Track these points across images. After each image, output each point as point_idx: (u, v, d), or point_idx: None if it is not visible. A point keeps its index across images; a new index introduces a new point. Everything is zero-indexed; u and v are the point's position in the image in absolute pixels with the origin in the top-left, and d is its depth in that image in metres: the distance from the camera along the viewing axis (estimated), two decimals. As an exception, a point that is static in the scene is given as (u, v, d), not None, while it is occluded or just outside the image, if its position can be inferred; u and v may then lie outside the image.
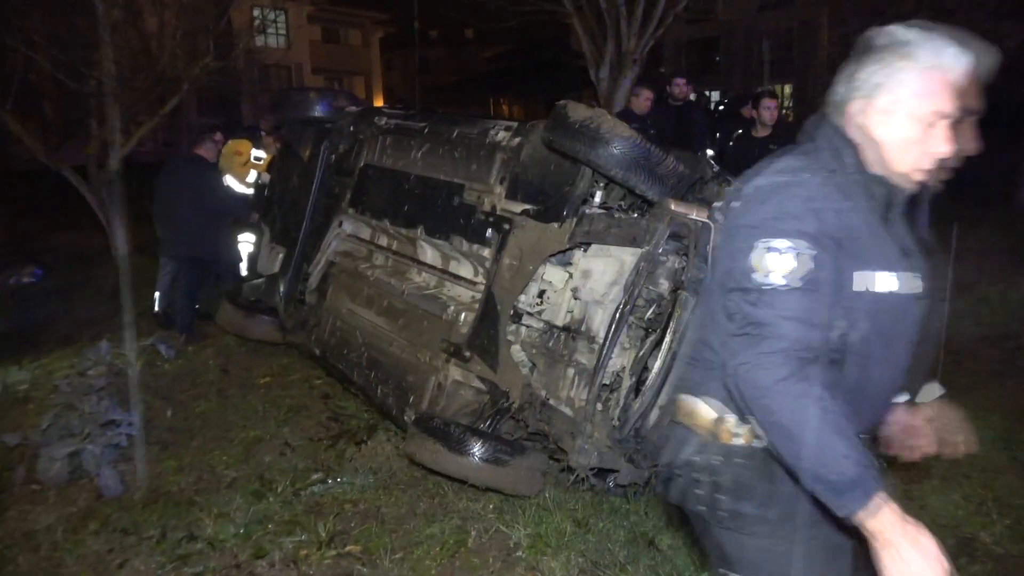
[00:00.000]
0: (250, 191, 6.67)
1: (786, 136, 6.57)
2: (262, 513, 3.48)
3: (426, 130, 4.59)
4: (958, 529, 3.33)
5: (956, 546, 3.17)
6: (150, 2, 10.05)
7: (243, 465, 3.99)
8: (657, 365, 3.23)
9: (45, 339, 6.21)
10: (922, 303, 1.63)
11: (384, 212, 4.71)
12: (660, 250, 3.13)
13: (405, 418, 3.94)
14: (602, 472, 3.33)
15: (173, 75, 9.44)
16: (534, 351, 3.61)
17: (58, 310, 7.25)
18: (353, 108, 5.49)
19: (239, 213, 6.47)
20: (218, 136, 6.71)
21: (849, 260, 1.51)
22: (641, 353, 3.22)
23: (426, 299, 4.24)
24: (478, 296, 3.89)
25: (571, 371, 3.37)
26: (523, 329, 3.69)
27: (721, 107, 10.55)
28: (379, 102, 30.35)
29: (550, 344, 3.55)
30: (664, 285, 3.17)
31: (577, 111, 3.28)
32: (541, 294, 3.68)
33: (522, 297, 3.65)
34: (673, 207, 3.16)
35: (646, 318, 3.18)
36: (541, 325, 3.65)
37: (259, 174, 6.71)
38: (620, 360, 3.23)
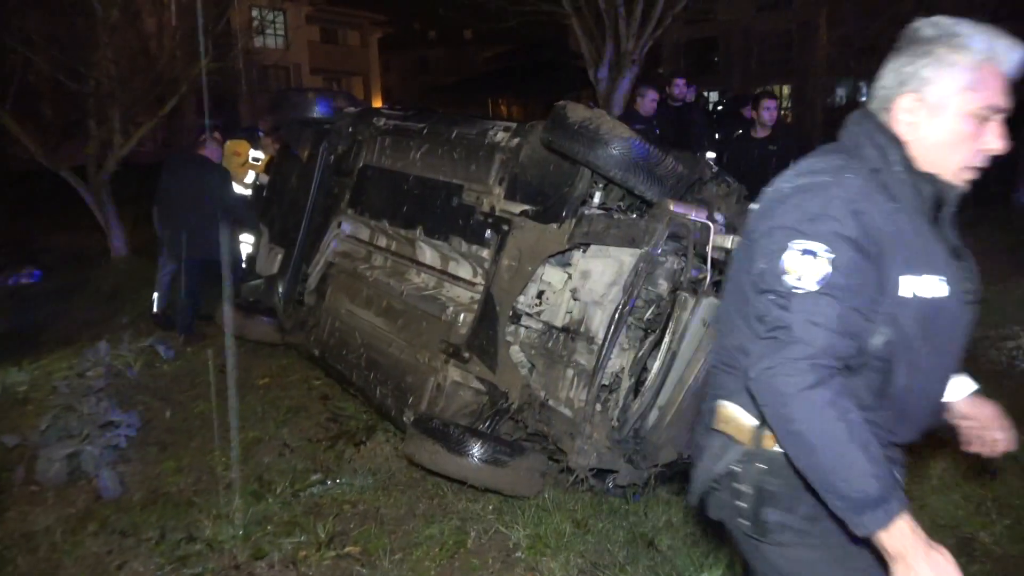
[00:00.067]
0: (248, 192, 6.66)
1: (785, 137, 6.59)
2: (261, 514, 3.48)
3: (425, 131, 4.59)
4: (958, 529, 3.33)
5: (956, 546, 3.17)
6: (149, 3, 10.04)
7: (242, 466, 3.98)
8: (656, 366, 3.24)
9: (44, 340, 6.20)
10: (971, 307, 1.56)
11: (383, 213, 4.71)
12: (659, 251, 3.13)
13: (404, 419, 3.93)
14: (601, 473, 3.33)
15: (172, 76, 9.44)
16: (533, 352, 3.61)
17: (57, 311, 7.24)
18: (352, 109, 5.49)
19: (243, 214, 6.46)
20: (216, 136, 6.70)
21: (894, 264, 1.45)
22: (640, 354, 3.22)
23: (425, 300, 4.24)
24: (477, 297, 3.89)
25: (570, 372, 3.37)
26: (522, 330, 3.69)
27: (720, 107, 10.56)
28: (378, 103, 30.35)
29: (549, 345, 3.55)
30: (663, 286, 3.17)
31: (576, 112, 3.28)
32: (540, 295, 3.68)
33: (521, 298, 3.65)
34: (672, 208, 3.17)
35: (645, 319, 3.18)
36: (540, 326, 3.65)
37: (257, 175, 6.71)
38: (619, 361, 3.23)
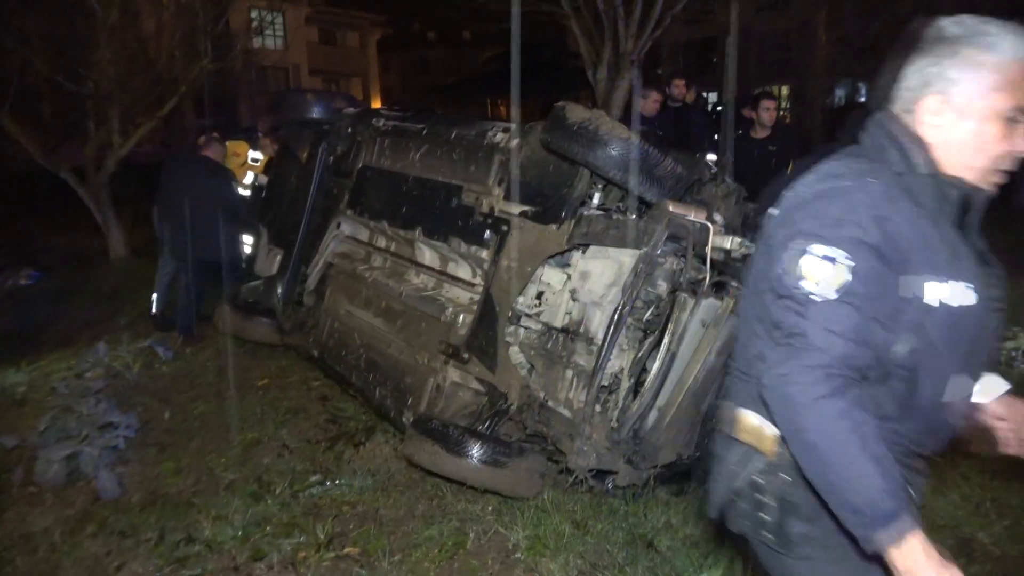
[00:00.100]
0: (247, 193, 6.66)
1: (785, 137, 6.60)
2: (260, 515, 3.47)
3: (424, 132, 4.59)
4: (957, 530, 3.33)
5: (955, 547, 3.17)
6: (148, 4, 10.04)
7: (241, 467, 3.98)
8: (655, 366, 3.24)
9: (43, 341, 6.19)
10: (998, 314, 1.52)
11: (382, 214, 4.70)
12: (658, 251, 3.13)
13: (403, 420, 3.93)
14: (601, 473, 3.33)
15: (171, 76, 9.43)
16: (532, 353, 3.60)
17: (55, 312, 7.23)
18: (351, 109, 5.49)
19: (246, 216, 6.45)
20: (215, 136, 6.70)
21: (919, 271, 1.40)
22: (639, 355, 3.22)
23: (424, 301, 4.24)
24: (476, 298, 3.89)
25: (569, 372, 3.36)
26: (521, 331, 3.69)
27: (719, 108, 10.56)
28: (377, 103, 30.35)
29: (548, 346, 3.55)
30: (662, 286, 3.17)
31: (575, 113, 3.28)
32: (539, 296, 3.68)
33: (520, 299, 3.65)
34: (671, 208, 3.17)
35: (644, 320, 3.18)
36: (539, 327, 3.65)
37: (256, 176, 6.71)
38: (618, 361, 3.23)
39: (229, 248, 6.10)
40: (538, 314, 3.65)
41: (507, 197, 3.82)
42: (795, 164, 6.28)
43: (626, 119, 7.81)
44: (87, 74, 8.60)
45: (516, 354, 3.63)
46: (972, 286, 1.44)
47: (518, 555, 3.18)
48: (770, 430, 1.54)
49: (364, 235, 5.04)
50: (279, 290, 5.31)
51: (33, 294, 8.12)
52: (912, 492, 1.49)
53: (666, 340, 3.21)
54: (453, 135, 4.32)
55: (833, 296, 1.36)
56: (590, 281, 3.42)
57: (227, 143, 6.79)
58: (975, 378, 1.58)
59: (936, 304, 1.41)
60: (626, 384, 3.23)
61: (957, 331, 1.45)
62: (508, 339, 3.62)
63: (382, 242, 4.87)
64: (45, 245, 10.46)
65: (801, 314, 1.38)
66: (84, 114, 9.19)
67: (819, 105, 24.52)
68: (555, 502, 3.51)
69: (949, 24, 1.46)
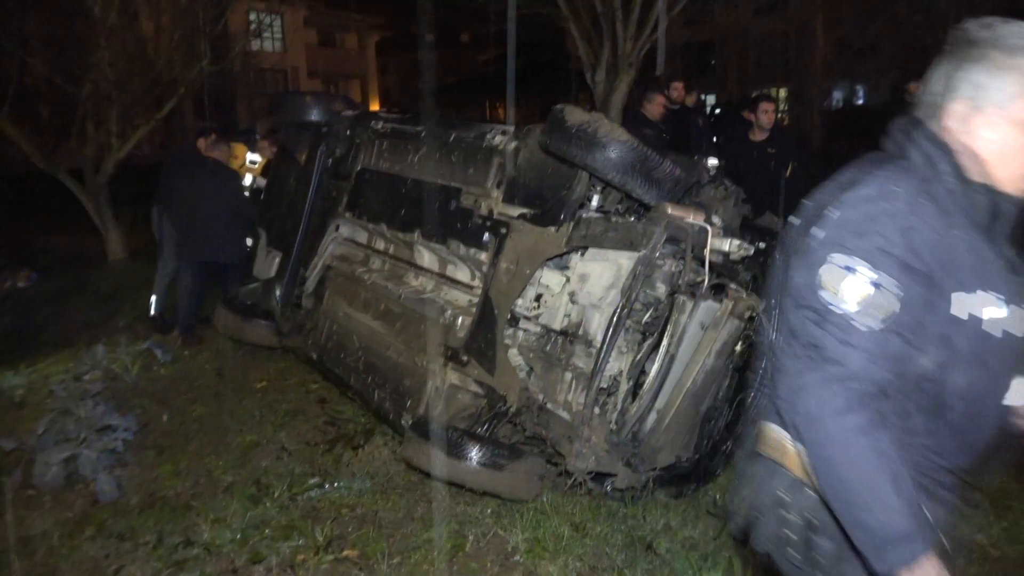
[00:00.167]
0: (246, 195, 6.65)
1: (783, 139, 6.61)
2: (259, 518, 3.47)
3: (423, 134, 4.59)
4: (955, 531, 3.33)
5: (953, 548, 3.17)
6: (147, 5, 10.04)
7: (240, 470, 3.98)
8: (654, 369, 3.24)
9: (41, 343, 6.19)
10: None
11: (381, 216, 4.70)
12: (657, 254, 3.13)
13: (402, 422, 3.93)
14: (600, 476, 3.33)
15: (170, 78, 9.43)
16: (531, 355, 3.61)
17: (54, 314, 7.23)
18: (350, 112, 5.49)
19: (252, 218, 6.46)
20: (213, 138, 6.69)
21: (946, 282, 1.36)
22: (638, 357, 3.22)
23: (423, 303, 4.23)
24: (475, 300, 3.89)
25: (568, 375, 3.37)
26: (520, 333, 3.69)
27: (718, 111, 10.58)
28: (375, 106, 30.38)
29: (547, 348, 3.55)
30: (661, 289, 3.17)
31: (574, 115, 3.28)
32: (538, 298, 3.68)
33: (519, 301, 3.65)
34: (670, 211, 3.17)
35: (643, 322, 3.19)
36: (538, 329, 3.65)
37: (254, 178, 6.70)
38: (617, 364, 3.23)
39: (236, 249, 6.09)
40: (537, 316, 3.65)
41: (506, 199, 3.83)
42: (794, 166, 6.32)
43: (624, 122, 7.83)
44: (85, 75, 8.59)
45: (515, 356, 3.63)
46: (1002, 297, 1.40)
47: (517, 557, 3.18)
48: (796, 445, 1.49)
49: (363, 237, 5.04)
50: (277, 292, 5.31)
51: (31, 296, 8.11)
52: (938, 511, 1.47)
53: (665, 342, 3.21)
54: (452, 137, 4.32)
55: (854, 309, 1.33)
56: (589, 283, 3.42)
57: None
58: (1006, 390, 1.52)
59: (965, 317, 1.37)
60: (625, 386, 3.23)
61: (987, 344, 1.40)
62: (507, 341, 3.62)
63: (381, 244, 4.87)
64: (43, 247, 10.44)
65: (820, 326, 1.35)
66: (82, 116, 9.18)
67: (817, 107, 24.57)
68: (554, 504, 3.51)
69: (976, 27, 1.42)
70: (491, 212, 3.87)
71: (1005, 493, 3.58)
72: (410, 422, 3.75)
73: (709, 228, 3.17)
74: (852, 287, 1.33)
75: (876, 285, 1.32)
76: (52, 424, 4.02)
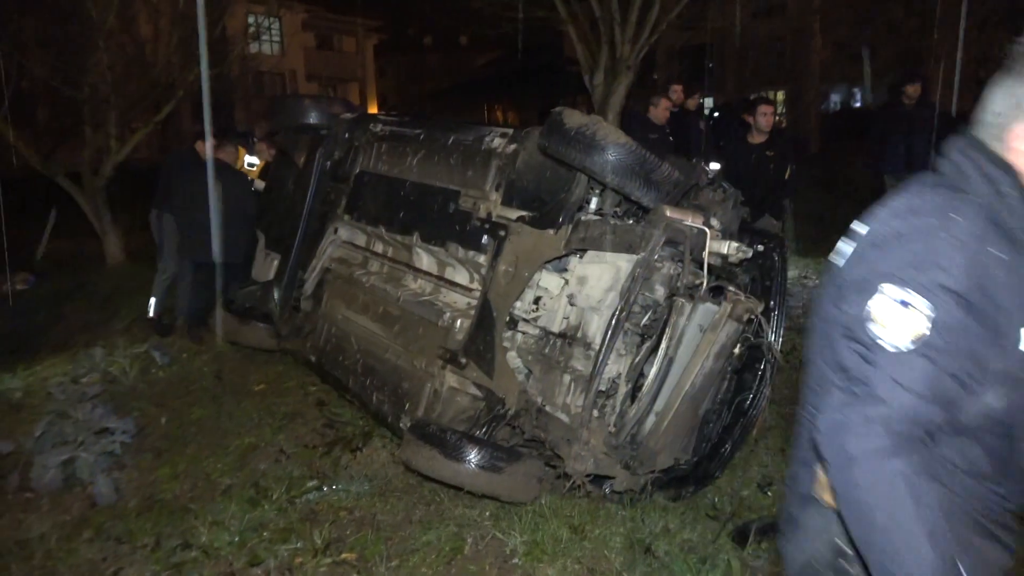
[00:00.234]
0: None
1: (782, 142, 6.63)
2: (257, 521, 3.47)
3: (421, 137, 4.59)
4: (1013, 573, 3.33)
5: None
6: (145, 8, 10.05)
7: (238, 472, 3.97)
8: (653, 371, 3.24)
9: (39, 346, 6.18)
10: None
11: (380, 218, 4.71)
12: (656, 256, 3.14)
13: (401, 425, 3.93)
14: (598, 478, 3.33)
15: (168, 81, 9.44)
16: (530, 357, 3.61)
17: (52, 316, 7.22)
18: (348, 114, 5.50)
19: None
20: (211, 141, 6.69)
21: (1014, 316, 1.26)
22: (637, 359, 3.23)
23: (422, 305, 4.24)
24: (474, 302, 3.89)
25: (567, 377, 3.37)
26: (519, 335, 3.69)
27: (716, 114, 10.60)
28: (373, 108, 30.40)
29: (546, 350, 3.55)
30: (660, 291, 3.17)
31: (572, 118, 3.29)
32: (537, 300, 3.68)
33: (518, 303, 3.65)
34: (668, 213, 3.18)
35: (642, 324, 3.19)
36: (537, 331, 3.65)
37: (252, 180, 6.70)
38: (616, 366, 3.23)
39: (240, 250, 6.09)
40: (536, 319, 3.65)
41: (505, 202, 3.83)
42: (792, 169, 6.33)
43: (623, 124, 7.85)
44: (84, 78, 8.60)
45: (514, 359, 3.63)
46: None
47: (516, 560, 3.18)
48: None
49: (361, 240, 5.04)
50: (276, 295, 5.31)
51: (29, 299, 8.10)
52: (999, 555, 1.41)
53: (663, 345, 3.22)
54: (450, 140, 4.32)
55: (907, 347, 1.24)
56: (587, 286, 3.43)
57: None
58: None
59: None
60: (624, 389, 3.23)
61: None
62: (506, 344, 3.62)
63: (379, 247, 4.88)
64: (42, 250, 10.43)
65: (869, 360, 1.27)
66: (81, 119, 9.19)
67: (815, 110, 24.62)
68: (553, 507, 3.51)
69: None
70: (490, 215, 3.87)
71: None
72: (409, 425, 3.75)
73: (708, 231, 3.17)
74: (906, 323, 1.24)
75: (932, 322, 1.23)
76: (50, 427, 4.02)
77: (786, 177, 6.27)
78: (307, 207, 5.28)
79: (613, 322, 3.16)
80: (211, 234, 5.94)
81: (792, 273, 7.29)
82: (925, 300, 1.23)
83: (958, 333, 1.24)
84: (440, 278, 4.33)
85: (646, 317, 3.18)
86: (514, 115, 32.94)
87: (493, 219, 3.84)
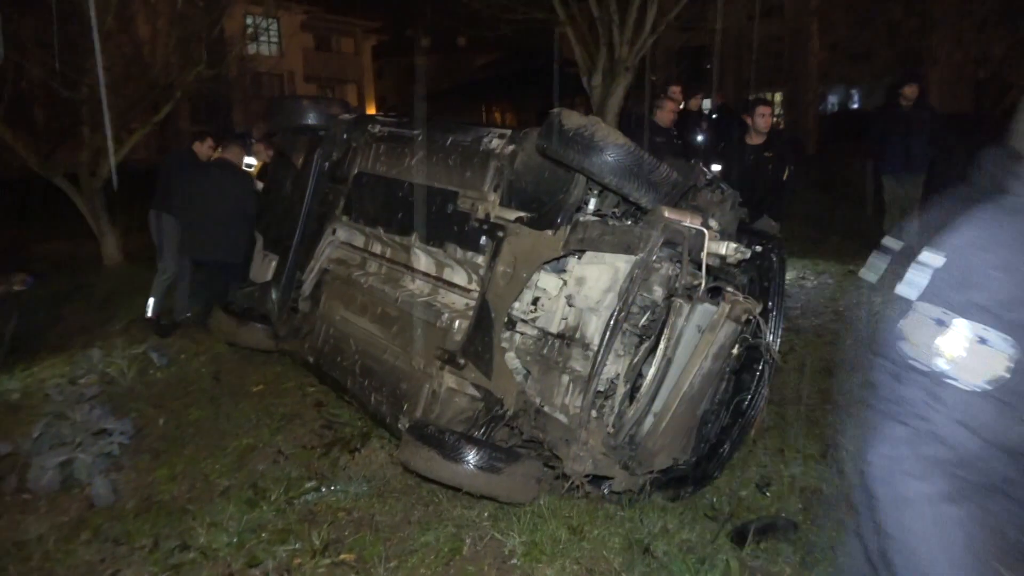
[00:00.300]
0: None
1: (780, 143, 6.64)
2: (255, 522, 3.46)
3: (419, 138, 4.59)
4: None
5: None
6: (143, 9, 10.05)
7: (236, 473, 3.97)
8: (651, 372, 3.24)
9: (37, 347, 6.17)
10: None
11: (378, 219, 4.71)
12: (654, 257, 3.14)
13: (399, 426, 3.93)
14: (597, 479, 3.33)
15: (166, 82, 9.44)
16: (528, 358, 3.61)
17: (50, 317, 7.21)
18: (346, 115, 5.50)
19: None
20: (209, 142, 6.70)
21: None
22: (635, 360, 3.22)
23: (420, 306, 4.23)
24: (472, 303, 3.89)
25: (566, 378, 3.37)
26: (517, 336, 3.69)
27: (714, 115, 10.60)
28: (371, 110, 30.41)
29: (544, 351, 3.55)
30: (658, 292, 3.17)
31: (571, 119, 3.29)
32: (535, 301, 3.68)
33: (516, 304, 3.65)
34: (667, 214, 3.18)
35: (640, 325, 3.19)
36: (535, 332, 3.65)
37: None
38: (614, 367, 3.23)
39: (240, 250, 6.09)
40: (534, 320, 3.65)
41: (503, 203, 3.83)
42: (790, 170, 6.34)
43: (621, 125, 7.86)
44: (82, 79, 8.60)
45: (512, 360, 3.63)
46: None
47: (514, 561, 3.18)
48: None
49: (360, 241, 5.04)
50: (274, 296, 5.30)
51: (27, 300, 8.08)
52: None
53: (662, 345, 3.22)
54: (449, 141, 4.32)
55: (980, 386, 1.15)
56: (586, 287, 3.43)
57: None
58: None
59: None
60: (622, 389, 3.23)
61: None
62: (504, 345, 3.62)
63: (378, 248, 4.87)
64: (39, 251, 10.43)
65: (933, 395, 1.19)
66: (78, 120, 9.18)
67: (813, 111, 24.67)
68: (551, 508, 3.51)
69: None
70: (488, 215, 3.87)
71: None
72: (407, 425, 3.75)
73: (706, 231, 3.18)
74: (983, 361, 1.16)
75: (979, 342, 1.16)
76: (48, 428, 4.01)
77: (784, 178, 6.27)
78: (305, 208, 5.28)
79: (611, 323, 3.16)
80: (211, 233, 5.95)
81: (790, 274, 7.29)
82: (966, 320, 1.16)
83: (1002, 355, 1.15)
84: (438, 279, 4.33)
85: (644, 318, 3.18)
86: (512, 116, 32.96)
87: (491, 220, 3.85)
